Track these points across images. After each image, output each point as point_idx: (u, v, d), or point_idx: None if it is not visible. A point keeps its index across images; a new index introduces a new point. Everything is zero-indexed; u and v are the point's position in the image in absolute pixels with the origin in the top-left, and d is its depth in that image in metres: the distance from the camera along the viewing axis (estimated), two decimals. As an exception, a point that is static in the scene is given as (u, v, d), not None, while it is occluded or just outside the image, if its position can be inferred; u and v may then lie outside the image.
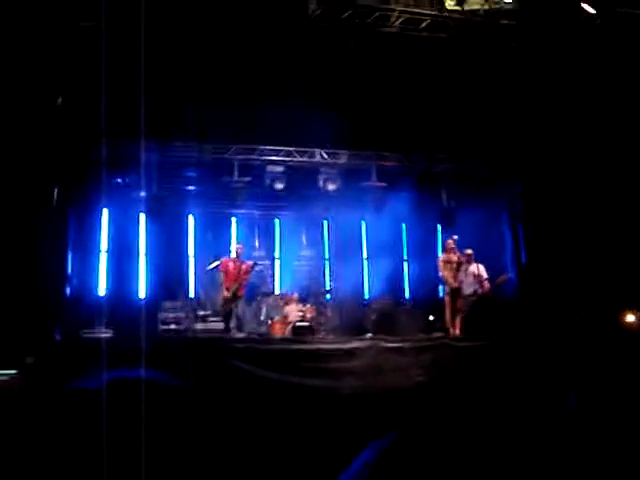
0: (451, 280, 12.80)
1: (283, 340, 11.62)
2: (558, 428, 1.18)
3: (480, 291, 12.99)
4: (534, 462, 1.02)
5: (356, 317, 15.24)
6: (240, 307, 12.54)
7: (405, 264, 17.70)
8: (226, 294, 12.37)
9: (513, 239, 16.21)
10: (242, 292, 12.59)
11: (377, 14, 12.44)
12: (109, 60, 9.49)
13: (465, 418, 1.08)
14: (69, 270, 13.75)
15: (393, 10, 12.31)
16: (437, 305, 14.34)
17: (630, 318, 13.10)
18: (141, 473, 1.09)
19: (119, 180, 14.61)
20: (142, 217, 15.46)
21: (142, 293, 15.32)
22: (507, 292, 15.19)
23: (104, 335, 11.55)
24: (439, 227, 17.06)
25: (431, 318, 14.65)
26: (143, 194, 14.44)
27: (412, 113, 13.91)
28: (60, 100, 12.17)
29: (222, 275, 12.57)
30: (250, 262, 13.14)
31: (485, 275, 13.11)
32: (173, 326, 13.43)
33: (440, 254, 13.88)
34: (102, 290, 14.91)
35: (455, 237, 13.19)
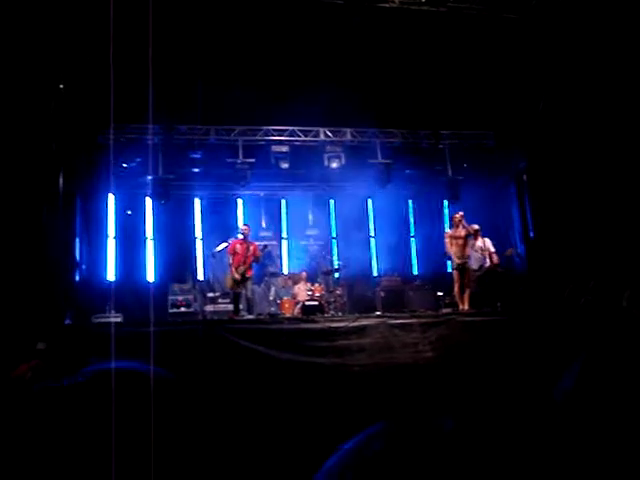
0: (459, 255, 12.77)
1: (292, 319, 11.66)
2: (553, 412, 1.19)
3: (488, 265, 13.01)
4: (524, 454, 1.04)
5: (365, 295, 15.27)
6: (249, 288, 12.57)
7: (412, 240, 17.71)
8: (235, 275, 12.40)
9: (521, 214, 16.16)
10: (250, 273, 12.61)
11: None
12: (114, 44, 9.46)
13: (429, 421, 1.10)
14: (78, 256, 13.81)
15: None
16: (445, 280, 14.36)
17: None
18: (150, 457, 1.11)
19: (124, 165, 14.63)
20: (148, 201, 15.51)
21: (151, 277, 15.40)
22: (516, 266, 15.20)
23: (114, 319, 11.63)
24: (446, 202, 17.03)
25: (440, 294, 14.67)
26: (149, 178, 14.46)
27: (415, 89, 13.83)
28: (62, 86, 12.15)
29: (230, 257, 12.59)
30: (259, 243, 13.16)
31: (492, 249, 13.12)
32: (182, 309, 13.50)
33: (447, 229, 13.85)
34: (111, 275, 14.99)
35: (461, 213, 13.14)
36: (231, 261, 12.55)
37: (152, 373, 1.26)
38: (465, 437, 1.05)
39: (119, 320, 11.61)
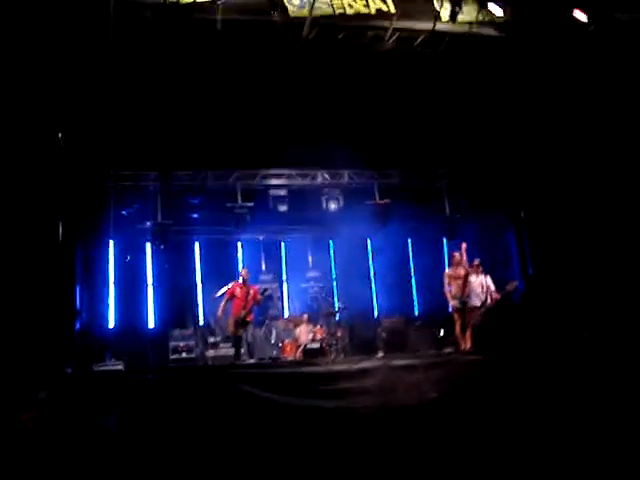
0: (459, 295, 12.72)
1: (294, 363, 11.60)
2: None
3: (489, 302, 12.97)
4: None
5: (366, 336, 15.22)
6: (250, 332, 12.51)
7: (413, 280, 17.71)
8: (234, 320, 12.35)
9: (519, 250, 16.19)
10: (251, 317, 12.56)
11: (372, 33, 12.53)
12: (113, 94, 9.58)
13: None
14: (78, 304, 13.78)
15: (387, 28, 12.38)
16: (447, 320, 14.30)
17: None
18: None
19: (124, 212, 14.68)
20: (148, 247, 15.54)
21: (151, 323, 15.35)
22: (515, 302, 15.17)
23: (115, 367, 11.56)
24: (445, 241, 17.06)
25: (441, 333, 14.61)
26: (148, 224, 14.49)
27: (411, 129, 13.94)
28: (61, 135, 12.25)
29: (229, 300, 12.55)
30: (259, 287, 13.13)
31: (492, 287, 13.10)
32: (184, 354, 13.43)
33: (447, 269, 13.82)
34: (111, 322, 14.95)
35: (464, 245, 13.12)
36: (231, 305, 12.52)
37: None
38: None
39: (120, 368, 11.54)
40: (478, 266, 13.20)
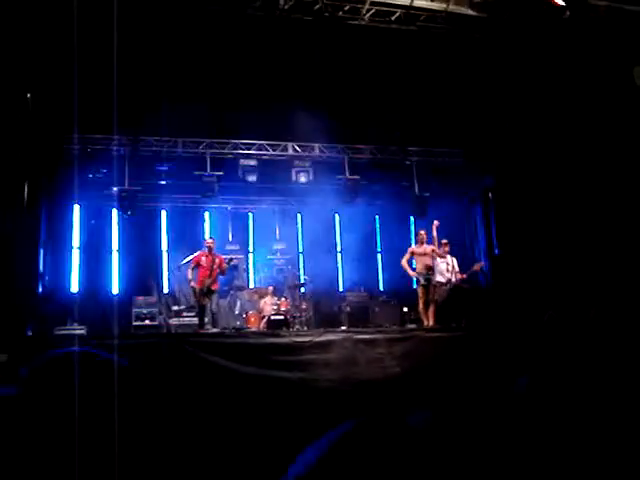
0: (424, 272, 12.81)
1: (258, 333, 11.61)
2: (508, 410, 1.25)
3: (454, 281, 13.11)
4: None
5: (331, 310, 15.29)
6: (214, 301, 12.49)
7: (379, 256, 17.79)
8: (199, 288, 12.32)
9: (486, 231, 16.33)
10: (216, 286, 12.53)
11: (348, 7, 12.46)
12: (81, 55, 9.40)
13: (398, 417, 1.12)
14: (41, 267, 13.61)
15: (364, 2, 12.32)
16: (411, 296, 14.41)
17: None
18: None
19: (90, 176, 14.50)
20: (114, 212, 15.38)
21: (115, 289, 15.25)
22: (480, 282, 15.34)
23: (78, 332, 11.47)
24: (412, 218, 17.14)
25: (405, 309, 14.73)
26: (115, 189, 14.33)
27: (384, 105, 13.93)
28: (29, 96, 12.02)
29: (195, 268, 12.51)
30: (224, 257, 13.10)
31: (457, 267, 13.25)
32: (147, 322, 13.36)
33: (413, 245, 13.90)
34: (75, 287, 14.82)
35: (436, 222, 13.20)
36: (196, 274, 12.48)
37: (114, 360, 1.28)
38: (436, 431, 1.08)
39: (82, 332, 11.46)
40: (446, 244, 13.32)
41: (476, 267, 14.13)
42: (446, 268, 13.12)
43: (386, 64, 13.05)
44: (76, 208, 15.17)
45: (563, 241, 13.11)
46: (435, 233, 13.11)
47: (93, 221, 15.35)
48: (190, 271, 12.53)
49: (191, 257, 12.78)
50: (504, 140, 14.77)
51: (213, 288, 12.39)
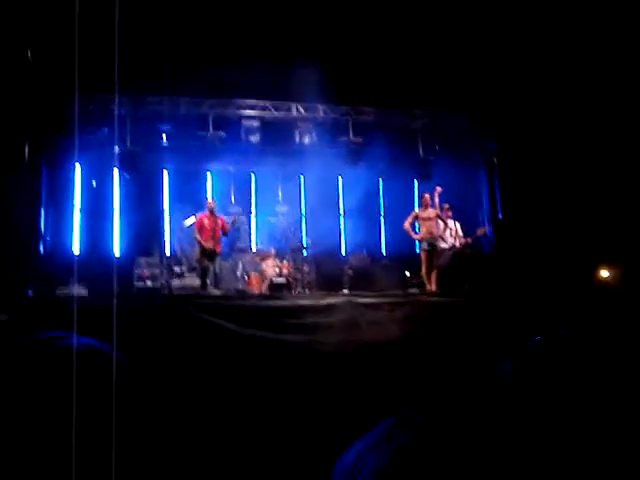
0: (427, 236, 12.74)
1: (260, 296, 11.60)
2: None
3: (457, 246, 13.05)
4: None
5: (333, 273, 15.23)
6: (217, 263, 12.45)
7: (382, 219, 17.70)
8: (202, 250, 12.27)
9: (490, 195, 16.24)
10: (219, 248, 12.50)
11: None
12: (82, 12, 9.23)
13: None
14: (42, 227, 13.55)
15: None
16: (414, 260, 14.36)
17: (604, 274, 13.25)
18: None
19: (92, 135, 14.35)
20: (116, 172, 15.26)
21: (117, 250, 15.20)
22: (483, 248, 15.29)
23: (79, 292, 11.45)
24: (416, 182, 17.03)
25: (407, 274, 14.68)
26: (117, 149, 14.20)
27: (389, 67, 13.75)
28: (30, 53, 11.85)
29: (198, 231, 12.45)
30: (227, 217, 13.01)
31: (460, 232, 13.18)
32: (149, 283, 13.34)
33: (416, 209, 13.82)
34: (76, 247, 14.77)
35: (439, 188, 13.11)
36: (199, 235, 12.42)
37: (113, 354, 1.21)
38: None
39: (83, 293, 11.44)
40: (448, 209, 13.24)
41: (479, 232, 14.07)
42: (449, 233, 13.06)
43: (391, 23, 12.85)
44: (77, 167, 15.04)
45: (567, 207, 13.02)
46: (437, 199, 13.03)
47: (94, 181, 15.24)
48: (197, 234, 12.47)
49: (193, 219, 12.70)
50: (509, 105, 14.60)
51: (217, 250, 12.36)
